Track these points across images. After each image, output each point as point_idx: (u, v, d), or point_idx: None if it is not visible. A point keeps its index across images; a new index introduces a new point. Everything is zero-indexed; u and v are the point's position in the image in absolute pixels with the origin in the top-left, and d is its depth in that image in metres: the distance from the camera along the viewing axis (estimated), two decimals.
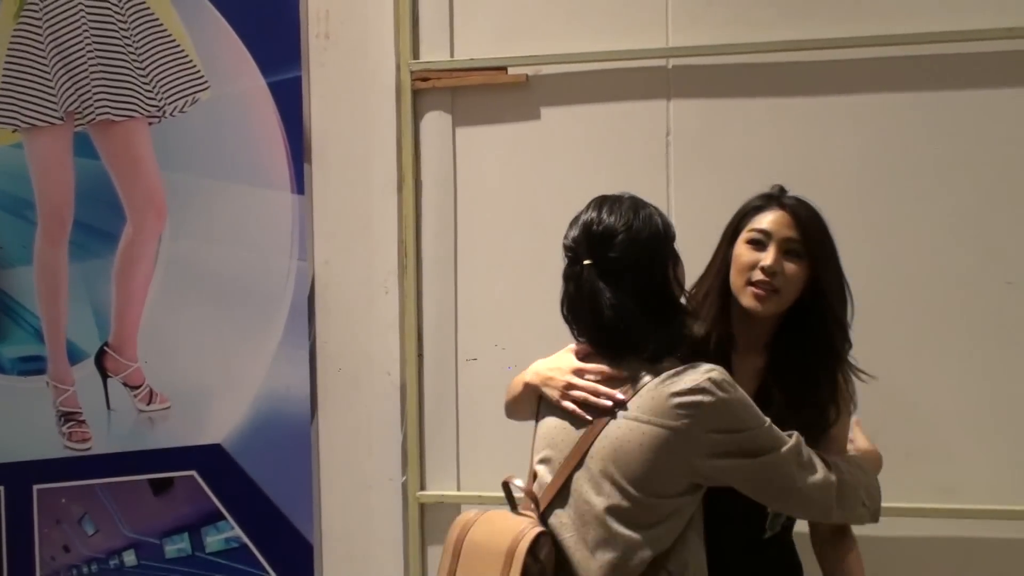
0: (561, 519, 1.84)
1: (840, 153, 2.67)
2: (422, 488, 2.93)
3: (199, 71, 3.06)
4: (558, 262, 2.79)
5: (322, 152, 3.00)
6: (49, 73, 3.12)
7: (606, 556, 1.78)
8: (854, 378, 2.04)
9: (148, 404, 3.13)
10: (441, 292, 2.94)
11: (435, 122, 2.94)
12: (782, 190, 2.07)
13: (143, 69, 3.09)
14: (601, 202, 1.90)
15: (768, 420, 1.82)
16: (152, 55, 3.09)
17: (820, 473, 1.83)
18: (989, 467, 2.61)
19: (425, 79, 2.92)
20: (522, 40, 2.86)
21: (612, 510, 1.79)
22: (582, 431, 1.84)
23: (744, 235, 2.01)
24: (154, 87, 3.08)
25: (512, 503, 1.94)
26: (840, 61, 2.67)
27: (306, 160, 3.00)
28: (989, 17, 2.59)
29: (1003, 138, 2.60)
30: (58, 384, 3.18)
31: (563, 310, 1.92)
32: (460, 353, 2.93)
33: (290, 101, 3.01)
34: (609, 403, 1.83)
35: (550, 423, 1.92)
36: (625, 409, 1.81)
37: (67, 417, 3.17)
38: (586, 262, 1.85)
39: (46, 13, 3.11)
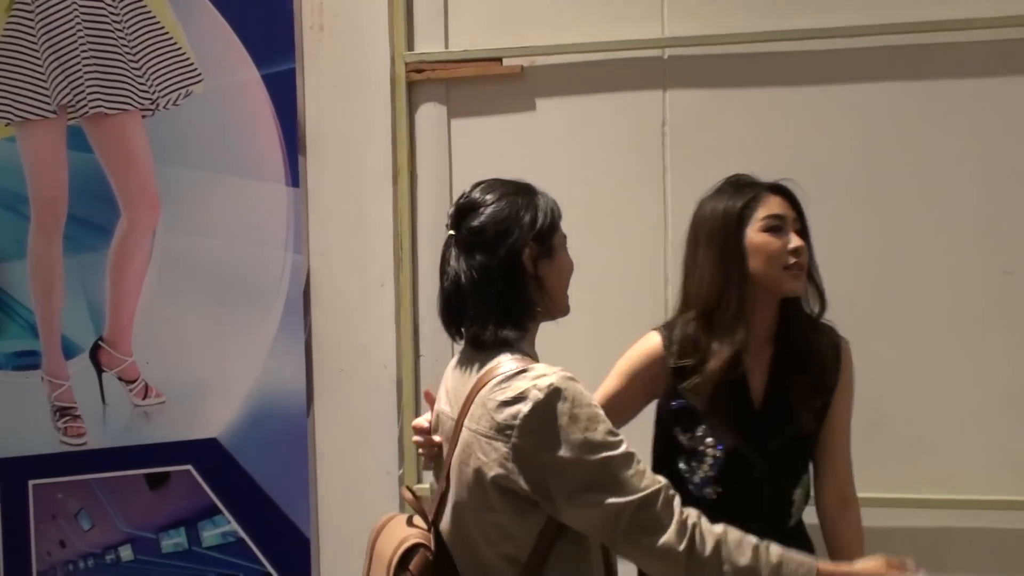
0: (446, 527, 1.79)
1: (836, 142, 2.66)
2: (418, 481, 2.92)
3: (192, 64, 3.05)
4: None
5: (317, 144, 2.99)
6: (42, 66, 3.10)
7: (485, 563, 1.73)
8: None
9: (143, 399, 3.12)
10: (437, 285, 2.92)
11: (430, 114, 2.93)
12: (748, 177, 2.13)
13: (136, 62, 3.07)
14: (489, 181, 1.91)
15: (623, 449, 1.66)
16: (145, 48, 3.07)
17: (665, 537, 1.62)
18: (984, 457, 2.60)
19: (420, 71, 2.91)
20: (517, 31, 2.85)
21: (460, 523, 1.75)
22: (450, 441, 1.80)
23: (757, 225, 2.01)
24: (147, 80, 3.07)
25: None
26: (836, 51, 2.66)
27: (300, 152, 2.99)
28: (984, 5, 2.58)
29: (999, 128, 2.60)
30: (53, 379, 3.16)
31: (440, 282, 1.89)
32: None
33: (284, 93, 2.99)
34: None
35: (438, 432, 1.90)
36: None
37: (62, 412, 3.16)
38: (449, 233, 1.84)
39: (38, 6, 3.09)
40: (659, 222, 2.78)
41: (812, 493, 2.14)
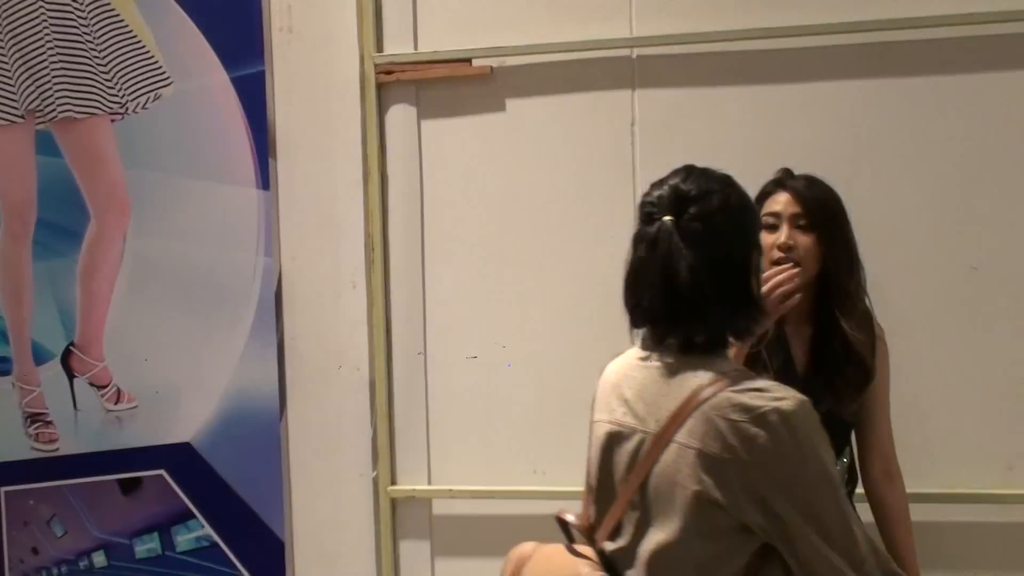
0: (620, 556, 1.63)
1: (806, 141, 2.66)
2: (393, 483, 2.92)
3: (161, 67, 3.03)
4: (526, 253, 2.83)
5: (287, 147, 2.98)
6: (9, 71, 3.08)
7: None
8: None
9: (115, 404, 3.10)
10: (409, 286, 2.93)
11: (400, 115, 2.93)
12: (788, 173, 2.25)
13: (104, 65, 3.06)
14: (692, 168, 1.70)
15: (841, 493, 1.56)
16: (113, 51, 3.05)
17: None
18: (956, 451, 2.62)
19: (389, 72, 2.91)
20: (486, 31, 2.85)
21: (666, 548, 1.56)
22: (637, 458, 1.61)
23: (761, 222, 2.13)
24: (116, 83, 3.05)
25: (568, 535, 1.75)
26: (805, 49, 2.67)
27: (271, 155, 2.98)
28: (953, 3, 2.59)
29: (971, 124, 2.61)
30: (24, 385, 3.14)
31: (627, 280, 1.67)
32: (431, 347, 2.92)
33: (254, 96, 2.98)
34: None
35: (602, 447, 1.69)
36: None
37: (33, 418, 3.14)
38: (666, 218, 1.62)
39: (4, 10, 3.07)
40: (629, 221, 2.77)
41: (857, 470, 2.29)
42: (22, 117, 3.09)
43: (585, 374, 2.78)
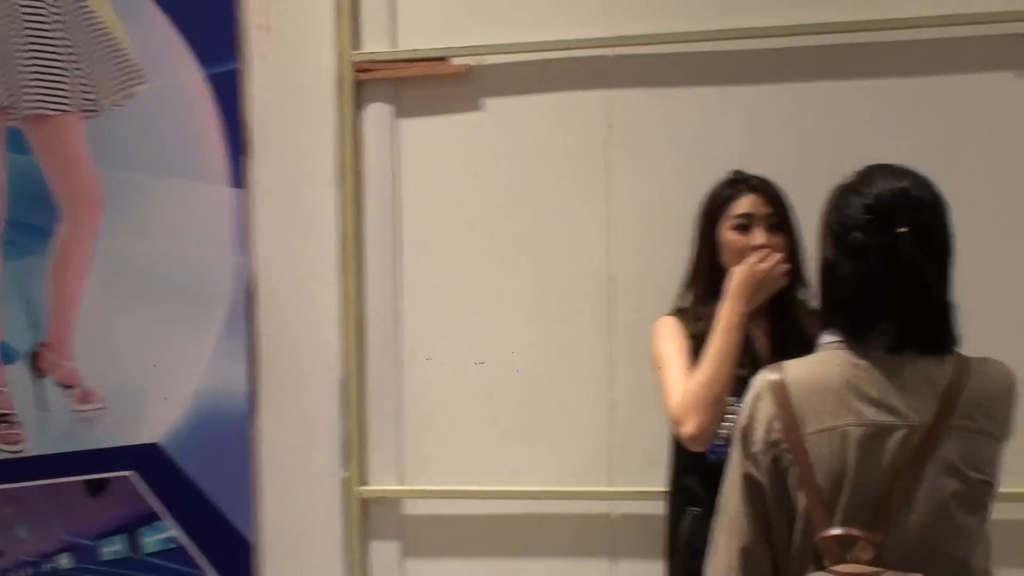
0: (890, 552, 1.58)
1: (782, 142, 2.68)
2: (364, 483, 2.89)
3: (135, 64, 3.01)
4: (503, 253, 2.83)
5: (262, 145, 2.96)
6: None
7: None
8: None
9: (83, 404, 3.06)
10: (384, 286, 2.91)
11: (377, 114, 2.92)
12: (741, 174, 2.29)
13: (77, 62, 3.03)
14: (891, 167, 1.68)
15: None
16: (87, 48, 3.03)
17: None
18: None
19: (367, 70, 2.90)
20: (464, 30, 2.85)
21: (957, 539, 1.61)
22: (898, 449, 1.59)
23: (728, 223, 2.22)
24: (89, 80, 3.03)
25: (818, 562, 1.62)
26: (780, 49, 2.69)
27: (246, 153, 2.96)
28: (932, 6, 2.62)
29: (957, 126, 2.62)
30: None
31: (853, 290, 1.63)
32: (404, 347, 2.90)
33: (229, 94, 2.96)
34: None
35: (858, 450, 1.60)
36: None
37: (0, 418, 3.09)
38: (902, 229, 1.58)
39: None
40: (604, 221, 2.79)
41: None
42: None
43: (561, 373, 2.80)
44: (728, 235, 2.23)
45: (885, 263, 1.59)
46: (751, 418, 1.66)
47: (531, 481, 2.80)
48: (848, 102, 2.67)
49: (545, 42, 2.79)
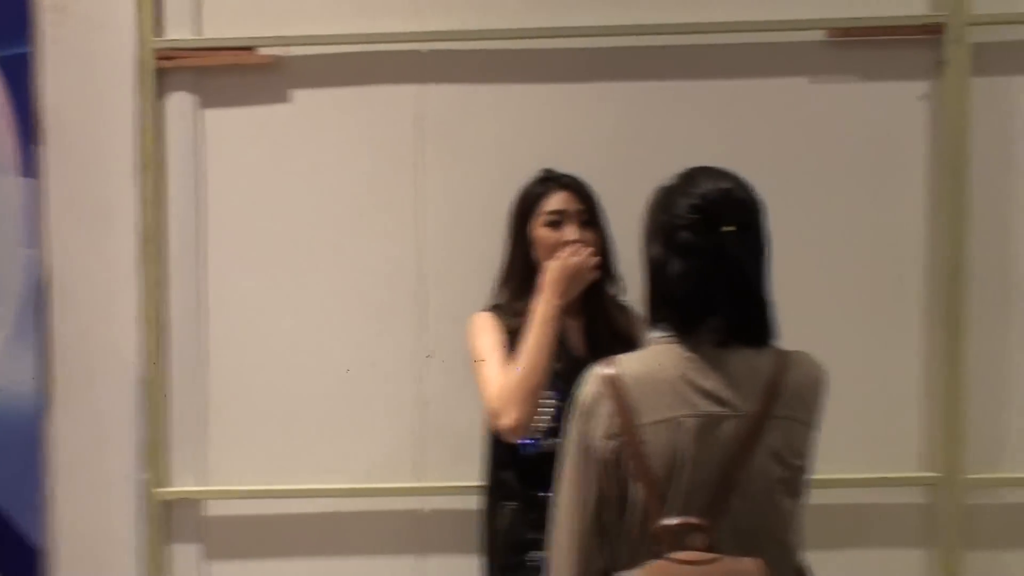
0: (720, 539, 1.65)
1: (591, 140, 2.73)
2: (164, 485, 2.79)
3: None
4: (311, 248, 2.78)
5: (57, 133, 2.82)
6: None
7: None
8: None
9: None
10: (188, 282, 2.82)
11: (180, 103, 2.82)
12: (551, 172, 2.34)
13: None
14: (713, 170, 1.76)
15: None
16: None
17: None
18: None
19: (169, 58, 2.80)
20: (271, 20, 2.79)
21: (781, 522, 1.71)
22: (728, 438, 1.66)
23: (540, 220, 2.27)
24: None
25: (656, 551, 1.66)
26: (593, 49, 2.74)
27: (38, 142, 2.81)
28: (730, 11, 2.72)
29: (757, 127, 2.73)
30: None
31: (680, 286, 1.69)
32: (208, 345, 2.81)
33: (19, 78, 2.81)
34: None
35: (694, 441, 1.66)
36: None
37: None
38: (728, 228, 1.67)
39: None
40: (414, 216, 2.78)
41: None
42: None
43: (370, 369, 2.77)
44: (540, 231, 2.27)
45: (712, 260, 1.67)
46: (588, 412, 1.69)
47: (340, 479, 2.77)
48: (657, 102, 2.75)
49: (355, 35, 2.76)
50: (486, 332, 2.27)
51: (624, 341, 2.24)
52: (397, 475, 2.77)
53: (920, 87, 2.71)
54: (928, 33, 2.67)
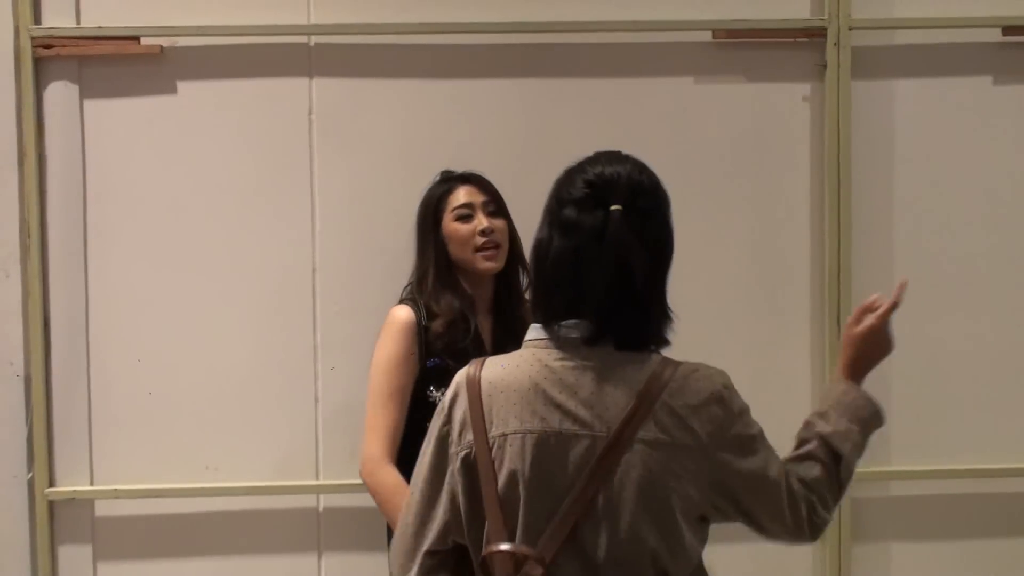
0: (567, 569, 1.51)
1: (482, 135, 2.74)
2: (51, 485, 2.74)
3: None
4: (198, 243, 2.74)
5: None
6: None
7: None
8: None
9: None
10: (69, 277, 2.75)
11: (60, 93, 2.74)
12: (450, 172, 2.38)
13: None
14: (617, 154, 1.60)
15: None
16: None
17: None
18: None
19: (48, 46, 2.72)
20: (156, 9, 2.72)
21: (630, 549, 1.50)
22: (589, 463, 1.50)
23: (450, 215, 2.30)
24: None
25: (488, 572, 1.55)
26: (481, 46, 2.75)
27: None
28: (624, 9, 2.74)
29: (651, 126, 2.76)
30: None
31: (555, 266, 1.55)
32: (93, 341, 2.76)
33: None
34: None
35: (532, 459, 1.52)
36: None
37: None
38: (614, 207, 1.51)
39: None
40: (307, 209, 2.76)
41: None
42: None
43: (264, 366, 2.75)
44: (452, 226, 2.29)
45: (592, 240, 1.51)
46: (449, 415, 1.59)
47: (235, 477, 2.75)
48: (545, 100, 2.77)
49: (243, 26, 2.72)
50: (393, 361, 2.24)
51: None
52: (294, 473, 2.77)
53: (803, 89, 2.78)
54: (810, 36, 2.74)
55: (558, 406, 1.51)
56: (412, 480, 1.65)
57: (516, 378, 1.55)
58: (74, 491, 2.74)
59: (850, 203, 2.75)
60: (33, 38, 2.70)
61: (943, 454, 2.84)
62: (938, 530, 2.87)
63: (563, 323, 1.54)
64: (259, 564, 2.78)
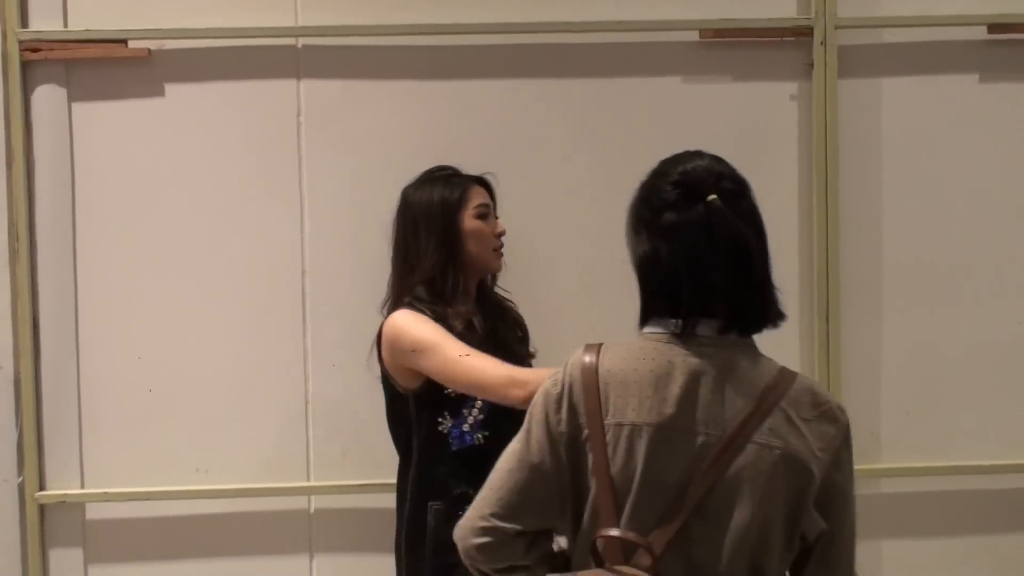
0: (674, 565, 1.51)
1: (470, 136, 2.74)
2: (41, 488, 2.74)
3: None
4: (188, 245, 2.75)
5: None
6: None
7: None
8: None
9: None
10: (59, 279, 2.76)
11: (48, 96, 2.74)
12: (455, 169, 2.35)
13: None
14: (689, 152, 1.61)
15: None
16: None
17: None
18: None
19: (36, 50, 2.72)
20: (144, 12, 2.73)
21: (730, 551, 1.50)
22: (695, 458, 1.51)
23: (471, 213, 2.25)
24: None
25: (598, 559, 1.55)
26: (468, 46, 2.75)
27: None
28: (612, 9, 2.75)
29: (639, 125, 2.76)
30: None
31: (675, 273, 1.54)
32: (83, 343, 2.76)
33: None
34: None
35: (647, 451, 1.52)
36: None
37: None
38: (711, 197, 1.51)
39: None
40: (296, 211, 2.76)
41: None
42: None
43: (254, 367, 2.75)
44: (474, 223, 2.25)
45: (701, 232, 1.52)
46: (559, 399, 1.58)
47: (226, 479, 2.76)
48: (533, 100, 2.78)
49: (231, 28, 2.72)
50: (424, 322, 2.17)
51: (522, 326, 2.37)
52: (284, 474, 2.77)
53: (791, 88, 2.78)
54: (797, 35, 2.75)
55: (676, 402, 1.52)
56: (504, 463, 1.62)
57: (636, 370, 1.55)
58: (64, 494, 2.74)
59: (838, 201, 2.76)
60: (21, 41, 2.70)
61: (933, 451, 2.85)
62: (929, 527, 2.87)
63: (689, 317, 1.55)
64: (250, 566, 2.78)
